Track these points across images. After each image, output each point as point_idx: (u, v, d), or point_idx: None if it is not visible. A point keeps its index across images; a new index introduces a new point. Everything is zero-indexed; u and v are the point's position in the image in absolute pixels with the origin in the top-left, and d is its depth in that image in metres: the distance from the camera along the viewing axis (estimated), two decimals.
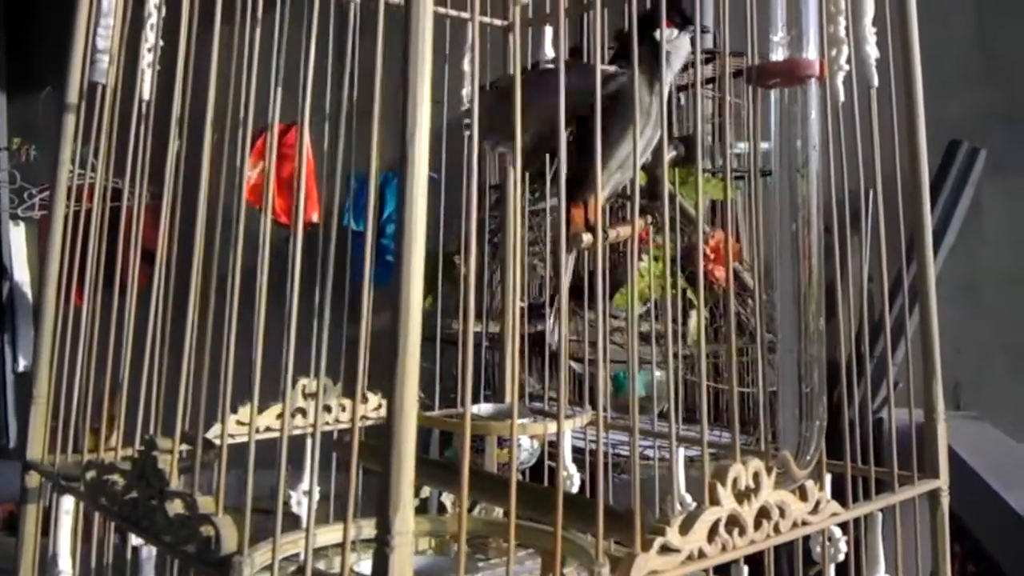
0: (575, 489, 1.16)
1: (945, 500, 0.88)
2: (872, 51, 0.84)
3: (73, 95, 0.93)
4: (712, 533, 0.68)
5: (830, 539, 0.89)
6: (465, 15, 1.13)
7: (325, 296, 0.69)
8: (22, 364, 3.73)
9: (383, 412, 0.98)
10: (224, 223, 0.74)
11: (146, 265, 0.85)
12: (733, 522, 0.69)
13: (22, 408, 3.80)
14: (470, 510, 1.04)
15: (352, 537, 0.60)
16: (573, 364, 1.64)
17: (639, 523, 0.64)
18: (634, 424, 0.68)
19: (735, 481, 0.69)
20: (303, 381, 1.08)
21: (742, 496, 0.69)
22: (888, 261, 0.86)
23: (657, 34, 0.81)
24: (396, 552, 0.52)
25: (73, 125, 0.94)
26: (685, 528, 0.66)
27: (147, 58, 0.91)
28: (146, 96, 0.91)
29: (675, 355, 1.09)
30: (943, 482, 0.88)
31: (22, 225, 3.73)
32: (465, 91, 1.20)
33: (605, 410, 1.31)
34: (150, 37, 0.91)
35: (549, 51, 1.19)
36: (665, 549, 0.65)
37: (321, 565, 0.89)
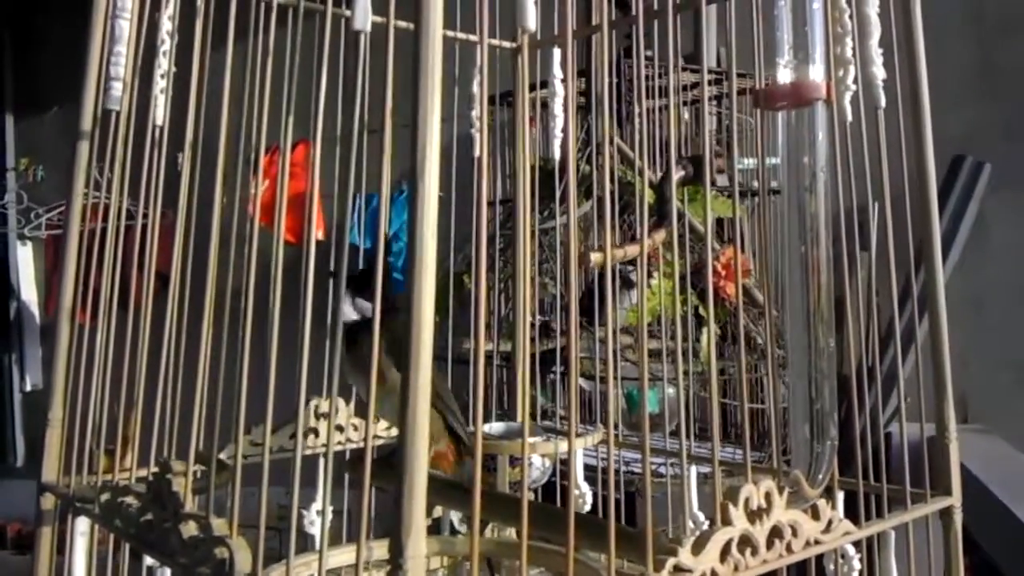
0: (587, 508, 1.16)
1: (958, 518, 0.88)
2: (879, 72, 0.84)
3: (87, 122, 0.94)
4: (724, 553, 0.68)
5: (843, 557, 0.89)
6: (474, 38, 1.14)
7: (337, 315, 0.70)
8: (29, 383, 3.75)
9: (394, 431, 0.99)
10: (230, 242, 0.75)
11: (157, 284, 0.86)
12: (745, 542, 0.69)
13: (29, 427, 3.82)
14: (481, 530, 1.04)
15: (364, 559, 0.60)
16: (583, 382, 1.64)
17: (651, 543, 0.64)
18: (645, 442, 0.68)
19: (747, 501, 0.69)
20: (315, 401, 1.09)
21: (754, 516, 0.70)
22: (895, 278, 0.86)
23: None
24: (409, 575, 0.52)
25: (87, 153, 0.95)
26: (697, 548, 0.66)
27: (160, 84, 0.92)
28: (159, 122, 0.92)
29: (687, 372, 1.10)
30: (956, 500, 0.88)
31: (29, 244, 3.76)
32: (474, 113, 1.20)
33: (617, 428, 1.31)
34: (163, 63, 0.92)
35: (558, 71, 1.20)
36: (677, 570, 0.65)
37: None
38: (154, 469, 0.77)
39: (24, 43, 3.92)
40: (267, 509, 0.66)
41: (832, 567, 0.90)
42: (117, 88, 0.91)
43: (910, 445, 0.85)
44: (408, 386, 0.53)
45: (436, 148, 0.56)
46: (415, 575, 0.52)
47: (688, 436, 1.08)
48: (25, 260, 3.79)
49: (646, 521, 0.67)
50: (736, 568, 0.68)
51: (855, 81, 0.83)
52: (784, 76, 0.78)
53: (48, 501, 0.95)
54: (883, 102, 0.84)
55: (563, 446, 1.03)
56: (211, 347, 0.76)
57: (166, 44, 0.90)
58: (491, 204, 1.88)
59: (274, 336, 0.72)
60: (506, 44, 1.19)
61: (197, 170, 0.83)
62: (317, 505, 1.07)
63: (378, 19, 0.72)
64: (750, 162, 1.70)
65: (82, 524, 0.90)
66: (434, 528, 1.06)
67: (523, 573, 0.62)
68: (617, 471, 1.24)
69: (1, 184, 3.75)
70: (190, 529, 0.70)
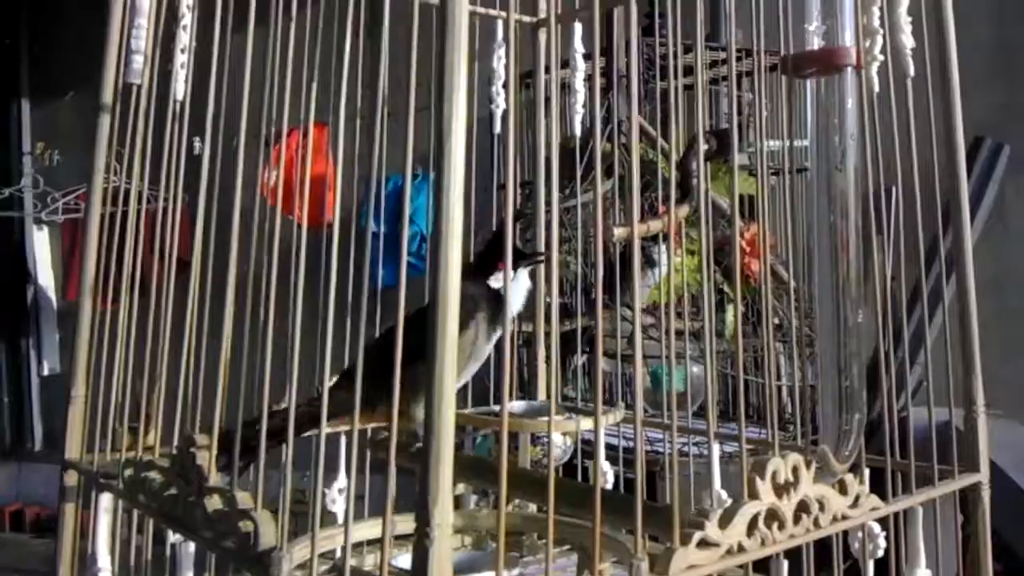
0: (609, 486, 1.16)
1: (986, 494, 0.87)
2: (907, 40, 0.83)
3: (108, 95, 0.94)
4: (751, 527, 0.67)
5: (868, 534, 0.88)
6: (494, 13, 1.12)
7: (361, 298, 0.69)
8: (47, 367, 3.75)
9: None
10: (248, 225, 0.75)
11: (162, 267, 0.86)
12: (772, 516, 0.68)
13: (47, 411, 3.83)
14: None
15: (392, 532, 0.60)
16: (605, 363, 1.63)
17: (677, 517, 0.63)
18: (673, 418, 0.68)
19: (774, 474, 0.68)
20: (335, 379, 1.09)
21: (781, 490, 0.69)
22: (919, 252, 0.85)
23: (492, 280, 0.89)
24: (436, 544, 0.52)
25: (108, 125, 0.95)
26: (724, 522, 0.65)
27: (180, 59, 0.91)
28: (179, 97, 0.91)
29: (711, 351, 1.08)
30: (984, 476, 0.87)
31: (45, 229, 3.76)
32: (494, 88, 1.19)
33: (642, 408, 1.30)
34: (183, 38, 0.91)
35: (579, 46, 1.19)
36: (704, 543, 0.64)
37: (353, 562, 0.89)
38: (178, 444, 0.77)
39: (41, 28, 3.93)
40: (283, 493, 0.66)
41: (857, 545, 0.89)
42: (138, 62, 0.91)
43: (925, 427, 0.84)
44: (435, 355, 0.53)
45: (463, 120, 0.55)
46: (442, 544, 0.52)
47: (712, 415, 1.07)
48: (41, 244, 3.79)
49: (672, 495, 0.66)
50: (763, 542, 0.67)
51: (882, 51, 0.82)
52: (813, 44, 0.77)
53: (71, 477, 0.95)
54: (912, 71, 0.82)
55: (584, 424, 1.03)
56: (232, 327, 0.76)
57: (186, 18, 0.89)
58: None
59: (297, 315, 0.72)
60: (526, 18, 1.17)
61: (219, 151, 0.83)
62: (339, 484, 1.07)
63: None
64: (774, 143, 1.68)
65: (105, 500, 0.90)
66: (455, 505, 1.06)
67: (548, 548, 0.62)
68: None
69: (17, 168, 3.75)
70: (214, 503, 0.70)
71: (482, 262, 0.91)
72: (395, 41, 0.71)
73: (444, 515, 0.52)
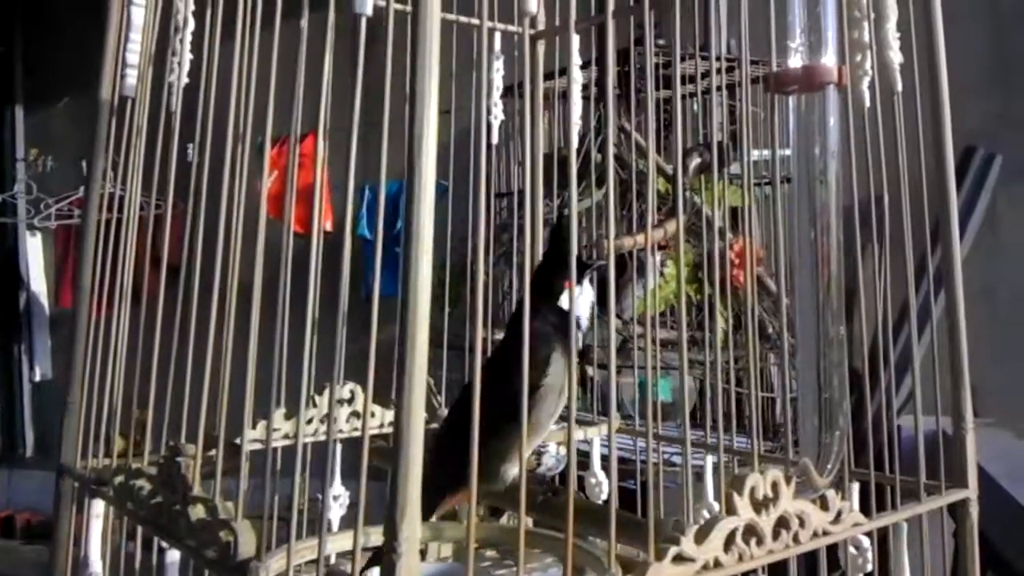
0: (604, 497, 1.16)
1: (974, 511, 0.86)
2: (895, 56, 0.83)
3: (105, 109, 0.95)
4: (729, 543, 0.67)
5: (856, 548, 0.87)
6: (488, 23, 1.13)
7: (339, 303, 0.70)
8: (38, 373, 3.75)
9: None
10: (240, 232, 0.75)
11: (155, 274, 0.86)
12: (750, 532, 0.68)
13: (38, 417, 3.83)
14: (499, 517, 1.04)
15: (364, 544, 0.60)
16: (597, 373, 1.63)
17: (652, 531, 0.64)
18: (648, 429, 0.68)
19: (752, 490, 0.68)
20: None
21: (760, 505, 0.69)
22: (907, 266, 0.84)
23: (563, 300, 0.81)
24: (403, 559, 0.52)
25: (105, 139, 0.96)
26: (701, 537, 0.65)
27: (175, 72, 0.92)
28: (174, 108, 0.92)
29: (700, 362, 1.09)
30: (972, 492, 0.86)
31: (38, 235, 3.77)
32: (491, 99, 1.20)
33: (631, 418, 1.30)
34: (179, 51, 0.92)
35: (576, 57, 1.19)
36: (680, 558, 0.64)
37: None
38: (164, 453, 0.78)
39: (35, 35, 3.96)
40: (277, 500, 0.67)
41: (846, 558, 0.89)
42: (132, 76, 0.92)
43: (923, 436, 0.84)
44: (404, 369, 0.53)
45: (433, 120, 0.56)
46: (410, 558, 0.52)
47: (703, 425, 1.07)
48: (34, 250, 3.80)
49: (650, 507, 0.66)
50: (741, 558, 0.67)
51: (872, 66, 0.81)
52: (795, 60, 0.77)
53: (67, 483, 0.96)
54: (900, 86, 0.82)
55: (578, 435, 1.03)
56: (228, 335, 0.76)
57: (181, 32, 0.90)
58: (506, 194, 1.88)
59: (284, 320, 0.73)
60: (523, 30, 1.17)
61: (207, 159, 0.84)
62: (333, 491, 1.08)
63: (380, 2, 0.71)
64: (764, 153, 1.68)
65: (98, 506, 0.91)
66: (451, 515, 1.06)
67: (520, 558, 0.62)
68: (633, 461, 1.24)
69: (11, 174, 3.77)
70: (198, 512, 0.71)
71: (544, 282, 0.83)
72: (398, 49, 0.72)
73: (412, 529, 0.53)
